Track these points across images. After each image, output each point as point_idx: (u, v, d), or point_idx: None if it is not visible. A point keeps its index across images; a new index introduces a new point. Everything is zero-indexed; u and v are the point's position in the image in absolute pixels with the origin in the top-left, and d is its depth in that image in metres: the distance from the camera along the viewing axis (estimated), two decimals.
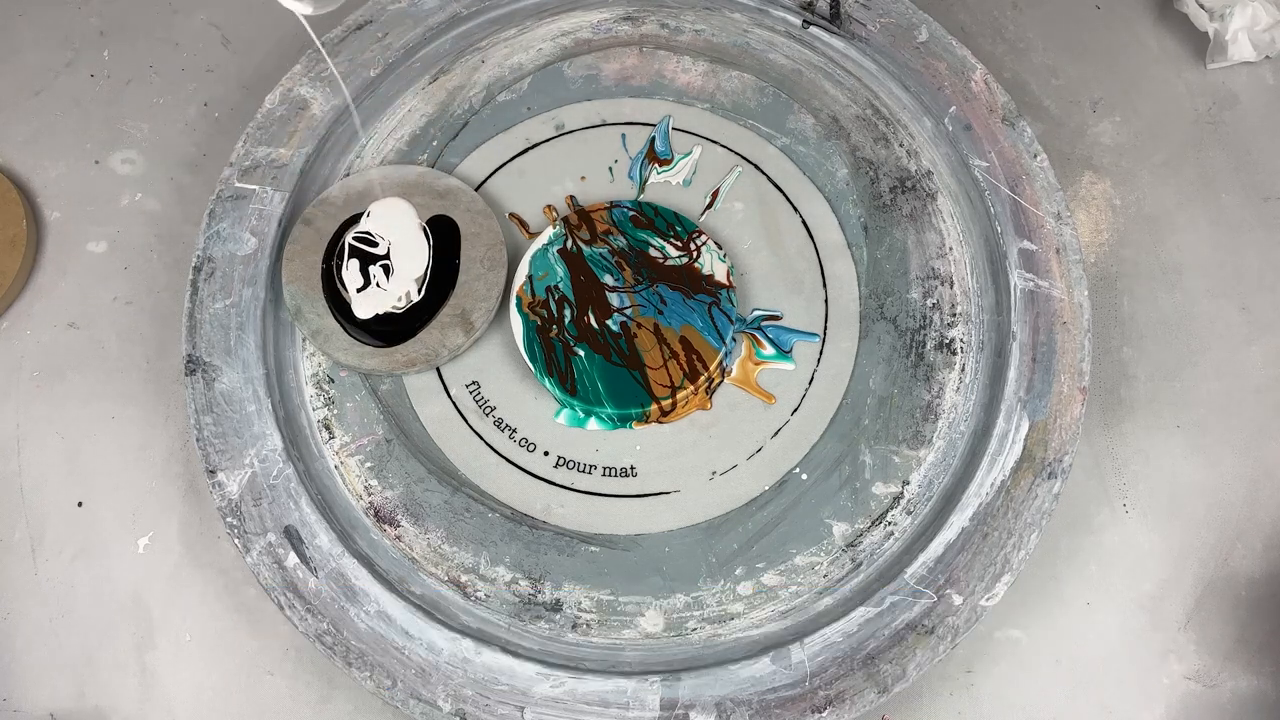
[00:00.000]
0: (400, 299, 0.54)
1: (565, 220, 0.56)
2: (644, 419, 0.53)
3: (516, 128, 0.60)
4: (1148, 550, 0.53)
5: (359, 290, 0.55)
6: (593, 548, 0.51)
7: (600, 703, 0.47)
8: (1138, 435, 0.55)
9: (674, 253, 0.55)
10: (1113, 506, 0.54)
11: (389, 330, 0.54)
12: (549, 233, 0.56)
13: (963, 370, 0.54)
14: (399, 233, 0.56)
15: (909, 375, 0.54)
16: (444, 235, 0.56)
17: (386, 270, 0.55)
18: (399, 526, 0.52)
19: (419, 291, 0.55)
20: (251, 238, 0.56)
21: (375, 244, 0.55)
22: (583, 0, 0.62)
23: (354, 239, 0.55)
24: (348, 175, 0.58)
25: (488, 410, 0.54)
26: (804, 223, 0.57)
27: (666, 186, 0.58)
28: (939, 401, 0.53)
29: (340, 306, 0.55)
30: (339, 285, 0.55)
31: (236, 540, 0.50)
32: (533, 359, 0.53)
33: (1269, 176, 0.61)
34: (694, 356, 0.53)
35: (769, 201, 0.58)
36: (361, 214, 0.56)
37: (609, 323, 0.54)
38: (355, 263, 0.55)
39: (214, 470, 0.51)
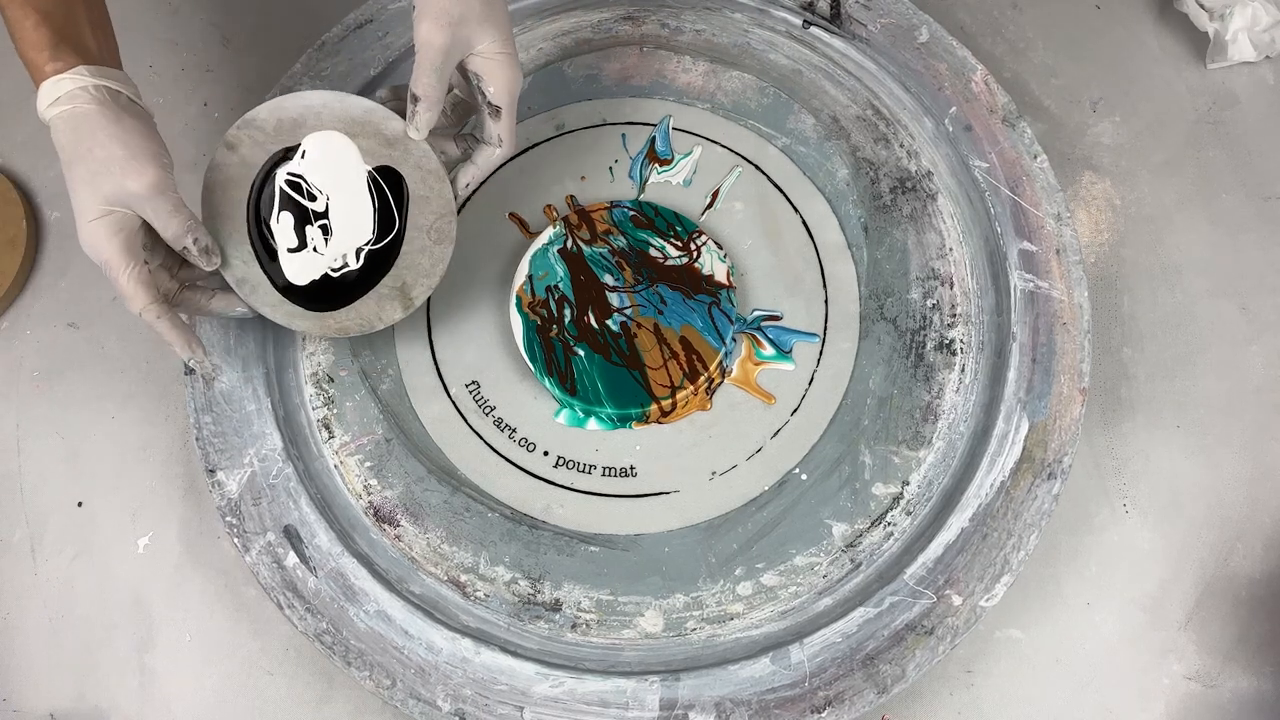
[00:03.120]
0: (336, 261, 0.49)
1: (565, 220, 0.56)
2: (644, 419, 0.53)
3: (517, 127, 0.60)
4: (1148, 550, 0.53)
5: (291, 251, 0.48)
6: (592, 548, 0.51)
7: (600, 703, 0.47)
8: (1138, 435, 0.55)
9: (674, 253, 0.55)
10: (1113, 506, 0.54)
11: (322, 296, 0.49)
12: (549, 232, 0.56)
13: (963, 371, 0.54)
14: (340, 186, 0.48)
15: (909, 376, 0.54)
16: (389, 193, 0.49)
17: (325, 231, 0.48)
18: (399, 526, 0.52)
19: (358, 259, 0.49)
20: None
21: (313, 197, 0.48)
22: (583, 0, 0.62)
23: (287, 182, 0.48)
24: (280, 93, 0.50)
25: (488, 410, 0.54)
26: (804, 223, 0.57)
27: (666, 186, 0.58)
28: (939, 402, 0.53)
29: (269, 254, 0.48)
30: (267, 235, 0.48)
31: (236, 540, 0.50)
32: (533, 359, 0.53)
33: (1269, 176, 0.60)
34: (694, 356, 0.53)
35: (769, 201, 0.58)
36: (295, 148, 0.49)
37: (609, 323, 0.54)
38: (289, 217, 0.48)
39: (214, 470, 0.51)
